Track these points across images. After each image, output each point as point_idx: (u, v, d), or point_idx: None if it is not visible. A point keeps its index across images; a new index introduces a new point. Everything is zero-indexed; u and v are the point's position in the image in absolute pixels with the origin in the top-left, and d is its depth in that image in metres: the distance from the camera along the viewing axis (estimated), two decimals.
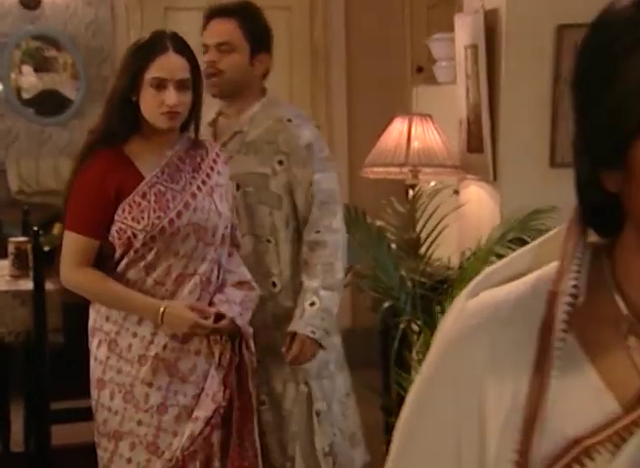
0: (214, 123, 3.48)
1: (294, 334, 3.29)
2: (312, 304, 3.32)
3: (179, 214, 3.00)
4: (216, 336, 3.04)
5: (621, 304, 1.01)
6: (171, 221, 2.99)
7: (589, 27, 1.00)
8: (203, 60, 3.28)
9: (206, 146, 3.12)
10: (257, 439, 3.14)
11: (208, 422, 3.01)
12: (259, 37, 3.39)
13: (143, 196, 3.00)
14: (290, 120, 3.44)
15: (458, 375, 1.06)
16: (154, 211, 2.99)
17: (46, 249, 4.27)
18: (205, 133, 3.34)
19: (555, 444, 0.98)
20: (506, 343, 1.03)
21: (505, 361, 1.03)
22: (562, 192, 4.00)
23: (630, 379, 0.98)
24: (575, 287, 1.01)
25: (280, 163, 3.40)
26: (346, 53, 6.56)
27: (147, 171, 3.03)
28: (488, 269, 1.12)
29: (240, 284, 3.15)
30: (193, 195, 3.02)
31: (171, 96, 2.93)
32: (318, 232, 3.37)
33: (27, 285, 4.29)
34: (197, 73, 3.02)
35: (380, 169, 4.40)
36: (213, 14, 3.41)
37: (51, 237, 4.75)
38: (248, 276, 3.20)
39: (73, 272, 3.05)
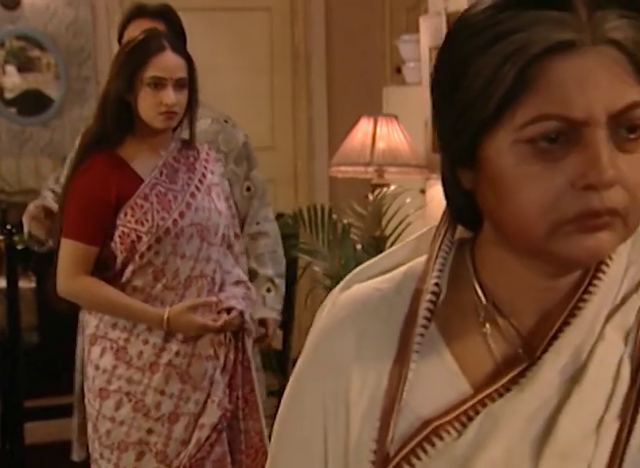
0: None
1: (263, 321, 3.47)
2: (269, 290, 3.55)
3: (181, 214, 2.97)
4: (220, 338, 3.03)
5: (480, 293, 1.08)
6: (175, 222, 2.96)
7: (450, 27, 1.03)
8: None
9: (196, 147, 3.10)
10: (263, 426, 3.15)
11: (214, 428, 3.00)
12: (183, 40, 3.39)
13: (145, 198, 2.96)
14: (226, 121, 3.61)
15: (327, 366, 1.11)
16: (157, 211, 2.95)
17: (19, 247, 4.30)
18: None
19: (411, 425, 1.04)
20: (372, 336, 1.10)
21: (370, 352, 1.09)
22: None
23: (484, 363, 1.06)
24: (436, 284, 1.08)
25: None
26: (327, 54, 6.57)
27: (145, 172, 2.99)
28: (364, 263, 1.18)
29: (237, 283, 3.14)
30: (193, 195, 3.00)
31: (169, 95, 2.91)
32: (258, 224, 3.61)
33: (1, 283, 4.32)
34: (193, 72, 3.01)
35: (347, 168, 4.45)
36: (138, 14, 3.39)
37: (25, 236, 4.79)
38: (243, 276, 3.19)
39: (71, 281, 2.98)
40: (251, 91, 6.43)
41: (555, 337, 1.03)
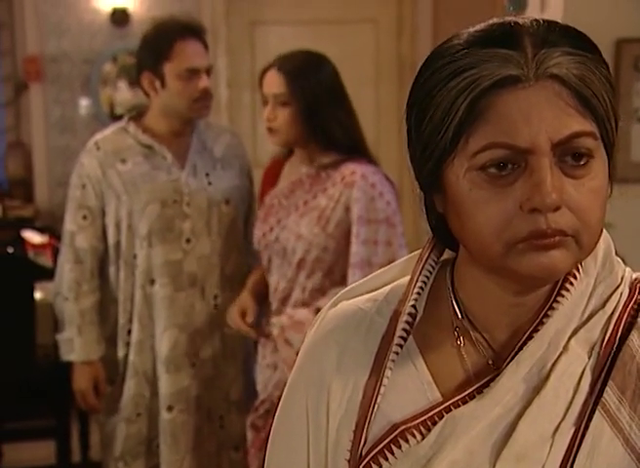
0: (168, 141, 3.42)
1: None
2: None
3: (270, 229, 3.12)
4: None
5: (457, 309, 1.17)
6: (264, 234, 3.13)
7: (426, 58, 1.12)
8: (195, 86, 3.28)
9: (341, 169, 3.03)
10: None
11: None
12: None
13: (262, 207, 3.20)
14: (234, 134, 3.61)
15: (311, 378, 1.22)
16: (259, 222, 3.18)
17: None
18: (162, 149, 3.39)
19: (382, 429, 1.14)
20: (352, 352, 1.20)
21: (349, 367, 1.19)
22: (620, 208, 3.91)
23: (456, 373, 1.15)
24: (413, 306, 1.18)
25: (247, 177, 3.56)
26: None
27: (283, 183, 3.16)
28: (355, 283, 1.29)
29: (315, 310, 3.06)
30: (288, 214, 3.08)
31: (265, 111, 3.09)
32: None
33: None
34: (295, 91, 3.03)
35: None
36: (184, 34, 3.30)
37: None
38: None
39: None
40: (356, 103, 6.32)
41: (520, 350, 1.12)
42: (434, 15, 6.53)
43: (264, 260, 3.18)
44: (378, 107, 6.61)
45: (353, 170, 3.00)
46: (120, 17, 6.46)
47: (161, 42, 3.25)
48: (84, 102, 6.59)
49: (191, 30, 3.27)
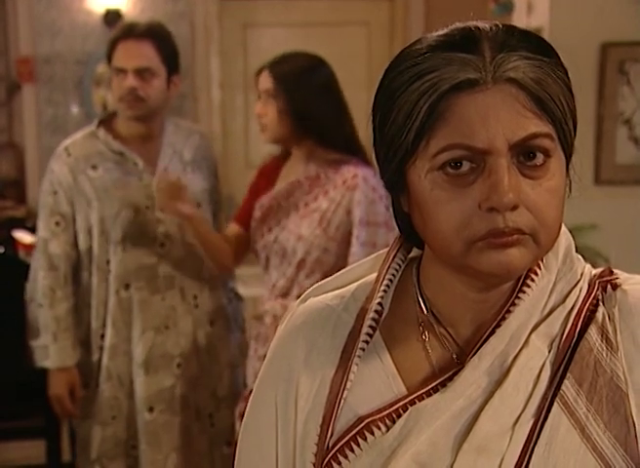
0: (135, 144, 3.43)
1: None
2: None
3: (269, 230, 3.15)
4: None
5: (422, 305, 1.21)
6: (263, 235, 3.17)
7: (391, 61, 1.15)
8: (121, 86, 3.27)
9: (341, 171, 3.08)
10: None
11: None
12: (174, 58, 3.38)
13: (260, 207, 3.20)
14: (203, 135, 3.63)
15: (280, 373, 1.25)
16: (257, 222, 3.19)
17: None
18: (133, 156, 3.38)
19: (348, 422, 1.18)
20: (319, 346, 1.23)
21: (317, 361, 1.22)
22: (606, 210, 3.91)
23: (421, 367, 1.19)
24: (379, 304, 1.21)
25: (214, 176, 3.58)
26: None
27: (281, 184, 3.19)
28: (323, 280, 1.32)
29: None
30: (287, 214, 3.11)
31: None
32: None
33: None
34: (280, 85, 3.08)
35: None
36: (124, 35, 3.29)
37: None
38: None
39: None
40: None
41: (482, 345, 1.15)
42: (426, 17, 6.53)
43: (262, 259, 3.21)
44: (370, 110, 6.61)
45: (355, 172, 3.04)
46: (113, 18, 6.45)
47: (109, 44, 3.32)
48: (76, 103, 6.59)
49: (135, 32, 3.27)
